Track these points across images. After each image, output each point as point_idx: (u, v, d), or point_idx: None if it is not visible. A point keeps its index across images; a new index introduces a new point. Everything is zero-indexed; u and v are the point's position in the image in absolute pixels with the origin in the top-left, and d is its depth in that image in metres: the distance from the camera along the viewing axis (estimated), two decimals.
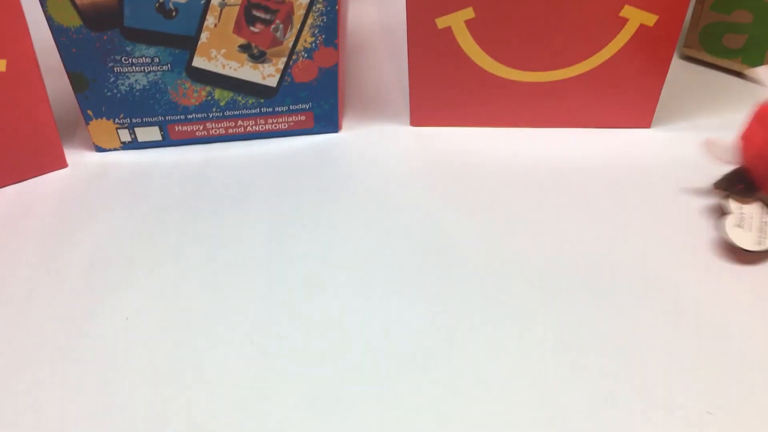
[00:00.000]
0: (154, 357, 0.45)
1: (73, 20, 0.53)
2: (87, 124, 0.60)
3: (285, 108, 0.61)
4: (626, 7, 0.55)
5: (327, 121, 0.63)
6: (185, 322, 0.47)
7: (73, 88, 0.57)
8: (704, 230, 0.53)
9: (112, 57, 0.55)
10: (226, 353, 0.45)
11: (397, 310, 0.48)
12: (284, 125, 0.62)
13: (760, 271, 0.50)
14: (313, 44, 0.57)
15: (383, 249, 0.52)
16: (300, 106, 0.61)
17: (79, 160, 0.61)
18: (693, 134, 0.63)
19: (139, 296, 0.49)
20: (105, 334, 0.47)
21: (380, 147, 0.62)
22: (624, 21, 0.56)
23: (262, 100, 0.60)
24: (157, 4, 0.53)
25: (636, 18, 0.56)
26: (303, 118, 0.62)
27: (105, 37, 0.54)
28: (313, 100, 0.61)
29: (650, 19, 0.56)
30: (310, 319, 0.47)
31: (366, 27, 0.76)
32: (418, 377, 0.43)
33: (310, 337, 0.46)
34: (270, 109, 0.61)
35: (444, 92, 0.62)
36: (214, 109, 0.60)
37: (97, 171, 0.60)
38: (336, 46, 0.58)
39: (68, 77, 0.56)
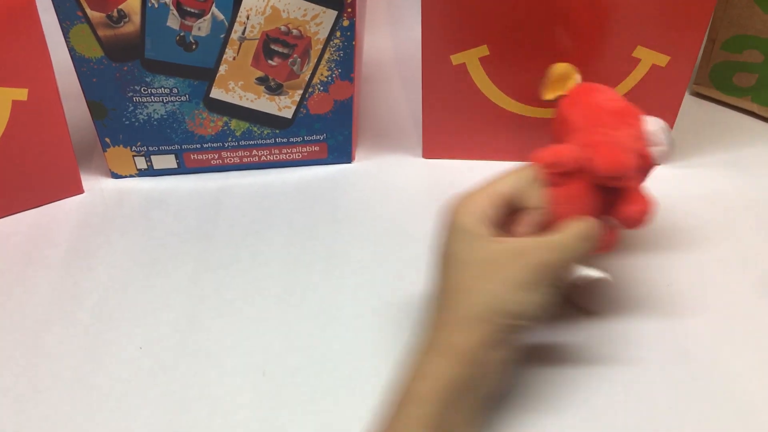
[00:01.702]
0: (167, 387, 0.46)
1: (95, 51, 0.54)
2: (104, 151, 0.60)
3: (300, 139, 0.62)
4: (639, 47, 0.56)
5: (341, 151, 0.63)
6: (199, 351, 0.48)
7: (92, 116, 0.58)
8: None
9: (132, 87, 0.56)
10: (239, 384, 0.46)
11: (412, 339, 0.48)
12: (298, 155, 0.63)
13: None
14: (330, 78, 0.58)
15: (396, 279, 0.53)
16: (314, 137, 0.62)
17: (96, 186, 0.62)
18: (704, 171, 0.63)
19: (153, 325, 0.50)
20: (119, 363, 0.47)
21: (393, 178, 0.63)
22: (637, 61, 0.57)
23: (277, 131, 0.61)
24: (177, 38, 0.54)
25: (648, 58, 0.57)
26: (317, 148, 0.63)
27: (125, 68, 0.55)
28: (328, 132, 0.62)
29: (662, 59, 0.56)
30: (326, 349, 0.48)
31: (381, 58, 0.77)
32: None
33: (324, 368, 0.47)
34: (285, 140, 0.62)
35: (456, 126, 0.62)
36: (229, 139, 0.61)
37: (113, 197, 0.61)
38: (352, 80, 0.59)
39: (87, 105, 0.57)
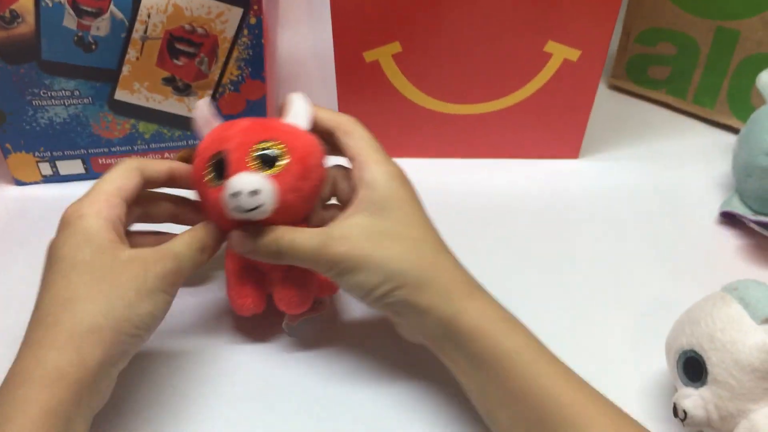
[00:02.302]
0: None
1: None
2: (5, 158, 0.58)
3: None
4: (550, 42, 0.56)
5: None
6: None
7: None
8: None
9: (30, 90, 0.54)
10: (165, 394, 0.44)
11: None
12: None
13: None
14: (240, 77, 0.57)
15: None
16: None
17: None
18: (619, 164, 0.64)
19: None
20: None
21: None
22: (548, 56, 0.57)
23: (188, 132, 0.59)
24: (75, 38, 0.52)
25: (560, 53, 0.57)
26: None
27: (22, 71, 0.53)
28: None
29: (573, 54, 0.57)
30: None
31: (297, 57, 0.75)
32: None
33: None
34: (197, 142, 0.60)
35: (374, 124, 0.61)
36: (139, 142, 0.59)
37: (16, 206, 0.58)
38: (263, 79, 0.57)
39: None
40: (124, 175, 0.42)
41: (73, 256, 0.38)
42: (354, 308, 0.50)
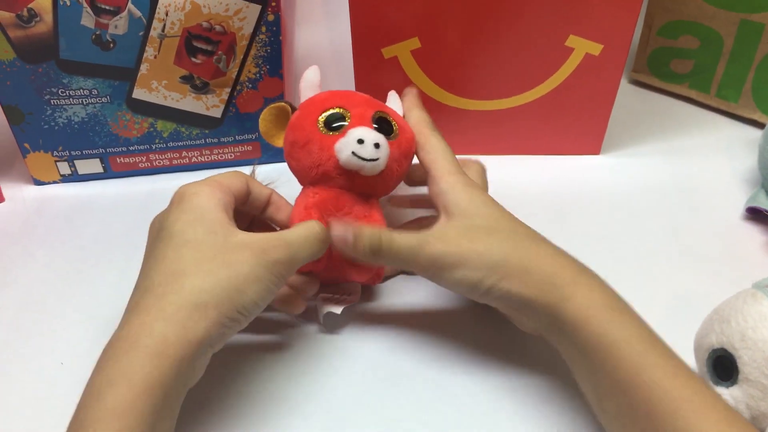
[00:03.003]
0: None
1: (6, 53, 0.52)
2: (24, 157, 0.58)
3: (231, 138, 0.60)
4: (571, 36, 0.55)
5: (275, 150, 0.61)
6: None
7: (8, 121, 0.55)
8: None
9: (49, 89, 0.54)
10: None
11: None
12: (231, 155, 0.61)
13: None
14: (258, 74, 0.56)
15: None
16: (246, 136, 0.60)
17: (17, 194, 0.59)
18: (642, 160, 0.63)
19: (76, 340, 0.47)
20: (38, 380, 0.45)
21: None
22: (570, 50, 0.56)
23: (206, 131, 0.59)
24: (93, 36, 0.52)
25: (581, 47, 0.56)
26: (250, 148, 0.61)
27: (40, 70, 0.53)
28: None
29: (595, 48, 0.56)
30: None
31: (315, 53, 0.75)
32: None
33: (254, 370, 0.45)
34: (215, 140, 0.60)
35: None
36: (157, 141, 0.59)
37: (35, 205, 0.58)
38: (281, 76, 0.57)
39: (2, 110, 0.55)
40: (236, 177, 0.43)
41: (185, 231, 0.38)
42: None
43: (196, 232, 0.38)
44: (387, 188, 0.47)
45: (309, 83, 0.47)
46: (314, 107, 0.45)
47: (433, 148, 0.46)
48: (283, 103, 0.47)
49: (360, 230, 0.41)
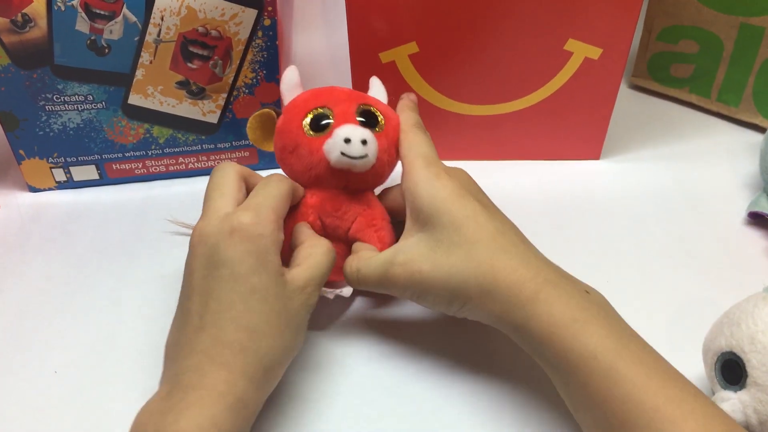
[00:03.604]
0: (84, 414, 0.43)
1: (0, 59, 0.51)
2: (19, 164, 0.57)
3: (228, 144, 0.59)
4: (570, 40, 0.55)
5: (272, 156, 0.61)
6: (119, 375, 0.45)
7: (2, 128, 0.55)
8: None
9: (43, 95, 0.53)
10: None
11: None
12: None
13: None
14: (254, 80, 0.56)
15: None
16: (243, 142, 0.59)
17: (12, 201, 0.59)
18: (642, 165, 0.63)
19: (71, 348, 0.47)
20: (32, 389, 0.44)
21: None
22: (569, 54, 0.56)
23: (203, 137, 0.58)
24: (88, 42, 0.51)
25: (580, 51, 0.55)
26: (247, 154, 0.60)
27: (35, 75, 0.52)
28: None
29: (595, 52, 0.55)
30: None
31: (313, 58, 0.75)
32: None
33: None
34: (212, 146, 0.59)
35: None
36: (153, 147, 0.58)
37: (30, 212, 0.58)
38: (278, 82, 0.56)
39: None
40: (286, 196, 0.42)
41: (250, 277, 0.37)
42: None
43: (261, 280, 0.38)
44: (380, 179, 0.47)
45: (289, 85, 0.47)
46: (298, 110, 0.45)
47: (411, 143, 0.45)
48: (267, 110, 0.47)
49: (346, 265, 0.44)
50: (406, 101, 0.49)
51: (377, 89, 0.49)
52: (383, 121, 0.45)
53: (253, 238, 0.38)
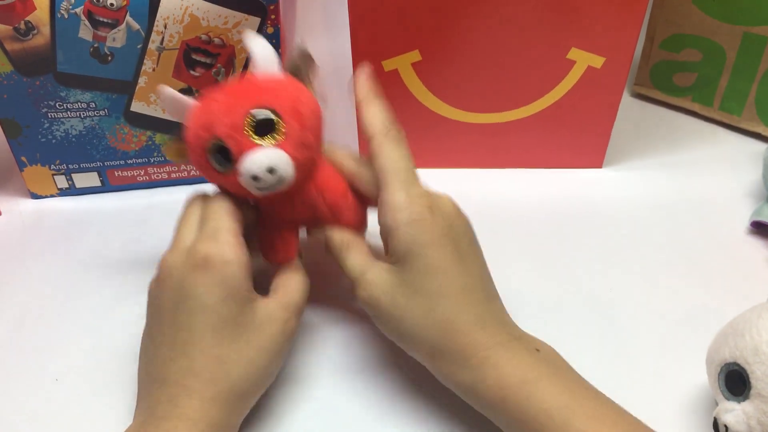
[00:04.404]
0: (85, 422, 0.43)
1: (3, 66, 0.51)
2: (21, 171, 0.57)
3: None
4: (573, 49, 0.55)
5: None
6: (120, 383, 0.45)
7: (5, 134, 0.55)
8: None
9: (46, 102, 0.53)
10: None
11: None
12: None
13: None
14: None
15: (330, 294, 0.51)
16: None
17: (14, 207, 0.59)
18: (645, 173, 0.62)
19: (72, 355, 0.47)
20: (32, 396, 0.44)
21: None
22: (571, 63, 0.56)
23: None
24: (91, 49, 0.51)
25: (583, 60, 0.55)
26: None
27: (38, 83, 0.52)
28: None
29: (597, 61, 0.55)
30: None
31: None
32: None
33: None
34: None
35: None
36: (155, 154, 0.58)
37: (32, 219, 0.58)
38: None
39: (0, 124, 0.54)
40: (236, 210, 0.41)
41: (219, 309, 0.38)
42: None
43: (230, 309, 0.38)
44: (314, 161, 0.42)
45: (173, 103, 0.41)
46: (194, 146, 0.40)
47: (386, 158, 0.41)
48: (172, 140, 0.43)
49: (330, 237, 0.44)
50: (364, 84, 0.45)
51: (259, 54, 0.41)
52: (280, 119, 0.39)
53: (218, 267, 0.38)
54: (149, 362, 0.39)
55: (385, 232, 0.40)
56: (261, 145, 0.39)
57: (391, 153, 0.41)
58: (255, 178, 0.38)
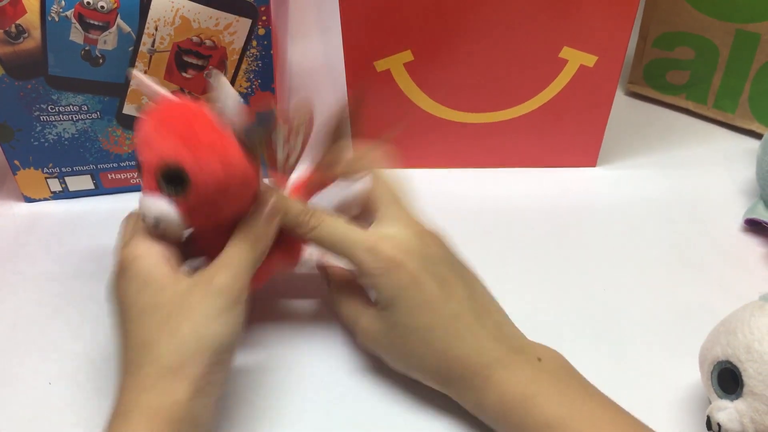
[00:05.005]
0: (78, 426, 0.43)
1: None
2: (14, 174, 0.57)
3: None
4: (565, 48, 0.55)
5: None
6: (114, 386, 0.45)
7: None
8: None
9: (38, 106, 0.53)
10: None
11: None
12: None
13: None
14: (249, 89, 0.56)
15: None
16: None
17: (7, 211, 0.59)
18: (639, 172, 0.62)
19: (65, 359, 0.47)
20: (26, 400, 0.44)
21: (325, 191, 0.61)
22: (564, 62, 0.56)
23: None
24: (82, 52, 0.51)
25: (576, 59, 0.55)
26: None
27: (29, 86, 0.52)
28: None
29: (590, 59, 0.55)
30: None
31: (308, 67, 0.74)
32: None
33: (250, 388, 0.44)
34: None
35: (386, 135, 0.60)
36: None
37: (25, 223, 0.58)
38: (273, 90, 0.56)
39: None
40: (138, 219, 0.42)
41: (137, 300, 0.38)
42: None
43: (147, 297, 0.38)
44: (230, 216, 0.41)
45: (149, 91, 0.41)
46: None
47: (376, 190, 0.44)
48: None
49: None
50: (375, 160, 0.46)
51: (225, 96, 0.39)
52: (188, 179, 0.37)
53: (130, 265, 0.39)
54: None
55: (365, 288, 0.45)
56: (159, 192, 0.38)
57: (379, 185, 0.44)
58: (144, 218, 0.39)
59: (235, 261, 0.40)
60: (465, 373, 0.39)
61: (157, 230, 0.39)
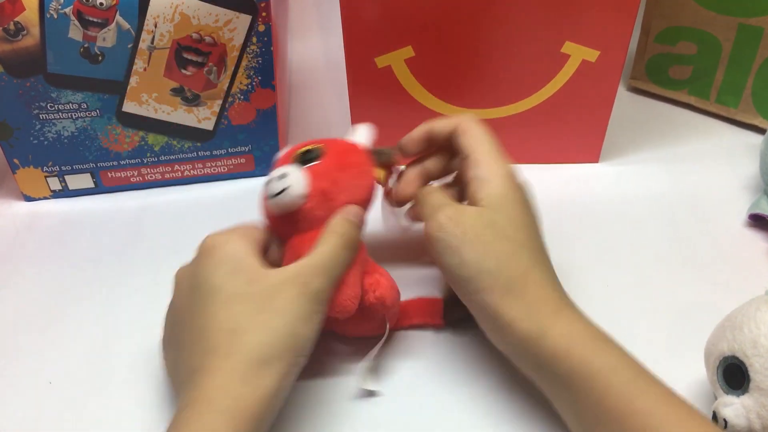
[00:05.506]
0: (78, 425, 0.42)
1: None
2: (14, 173, 0.57)
3: (223, 151, 0.59)
4: (567, 43, 0.54)
5: (269, 163, 0.60)
6: (114, 385, 0.45)
7: None
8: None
9: (37, 104, 0.53)
10: (157, 419, 0.43)
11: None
12: (224, 168, 0.60)
13: None
14: (249, 86, 0.55)
15: None
16: (239, 148, 0.59)
17: (7, 210, 0.58)
18: (641, 167, 0.62)
19: (65, 358, 0.46)
20: (26, 399, 0.44)
21: None
22: (566, 57, 0.55)
23: (198, 144, 0.58)
24: (81, 49, 0.51)
25: (578, 54, 0.55)
26: (243, 160, 0.60)
27: (28, 84, 0.52)
28: (253, 143, 0.59)
29: (592, 54, 0.55)
30: None
31: (308, 64, 0.74)
32: None
33: None
34: (208, 153, 0.59)
35: (388, 130, 0.60)
36: (148, 155, 0.58)
37: (25, 221, 0.57)
38: (273, 87, 0.56)
39: None
40: (256, 228, 0.43)
41: (226, 285, 0.38)
42: None
43: (237, 284, 0.38)
44: (336, 204, 0.43)
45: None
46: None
47: (475, 135, 0.45)
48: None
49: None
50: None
51: (359, 132, 0.48)
52: (323, 150, 0.44)
53: (218, 247, 0.39)
54: (175, 360, 0.40)
55: (476, 182, 0.43)
56: (292, 165, 0.43)
57: (479, 131, 0.46)
58: (267, 182, 0.42)
59: (332, 267, 0.40)
60: (540, 296, 0.39)
61: (275, 188, 0.41)
